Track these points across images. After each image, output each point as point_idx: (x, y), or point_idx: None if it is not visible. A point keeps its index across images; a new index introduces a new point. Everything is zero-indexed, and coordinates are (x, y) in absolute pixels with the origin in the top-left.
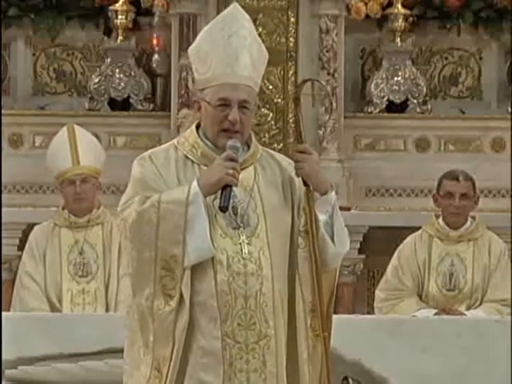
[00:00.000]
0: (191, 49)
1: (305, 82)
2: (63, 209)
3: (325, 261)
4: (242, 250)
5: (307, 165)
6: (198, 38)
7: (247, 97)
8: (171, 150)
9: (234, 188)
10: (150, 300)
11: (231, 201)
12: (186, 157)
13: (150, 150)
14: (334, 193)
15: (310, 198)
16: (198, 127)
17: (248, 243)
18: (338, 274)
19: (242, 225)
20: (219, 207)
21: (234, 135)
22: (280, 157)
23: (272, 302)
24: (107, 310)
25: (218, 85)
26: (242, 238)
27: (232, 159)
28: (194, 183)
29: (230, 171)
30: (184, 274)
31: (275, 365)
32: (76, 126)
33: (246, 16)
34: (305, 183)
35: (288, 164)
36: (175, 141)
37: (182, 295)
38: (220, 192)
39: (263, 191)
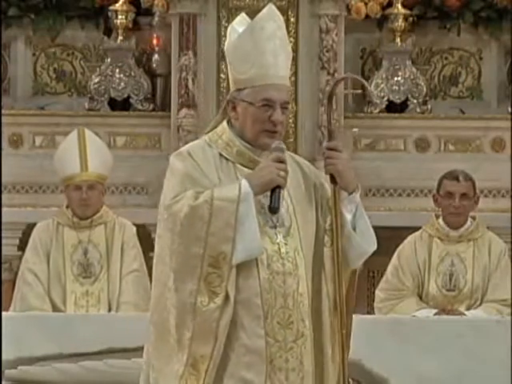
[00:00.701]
0: (228, 48)
1: (341, 80)
2: (67, 207)
3: (348, 259)
4: (279, 249)
5: (339, 162)
6: (236, 37)
7: (288, 98)
8: (206, 147)
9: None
10: (193, 296)
11: (281, 202)
12: (221, 154)
13: (185, 147)
14: (359, 193)
15: (337, 196)
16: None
17: (285, 243)
18: (357, 274)
19: (277, 224)
20: (271, 208)
21: (274, 135)
22: (298, 157)
23: (307, 301)
24: (109, 310)
25: (262, 85)
26: (279, 237)
27: (281, 161)
28: (244, 182)
29: (282, 173)
30: (231, 271)
31: (311, 364)
32: (87, 131)
33: (281, 17)
34: (331, 181)
35: (306, 165)
36: (205, 138)
37: (226, 293)
38: (270, 193)
39: (291, 192)
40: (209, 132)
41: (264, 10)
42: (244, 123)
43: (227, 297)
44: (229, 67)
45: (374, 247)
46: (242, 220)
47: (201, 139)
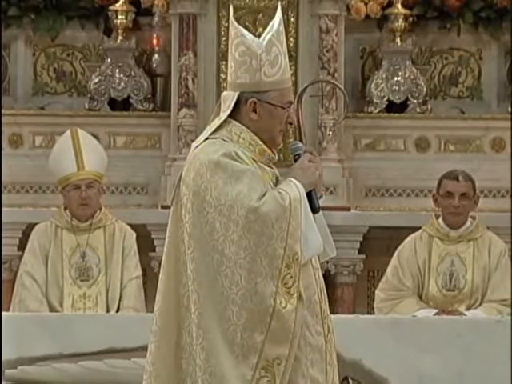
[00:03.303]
0: (261, 52)
1: (312, 84)
2: (65, 209)
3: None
4: None
5: (320, 167)
6: (267, 40)
7: None
8: (237, 147)
9: None
10: (272, 298)
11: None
12: (245, 154)
13: (223, 150)
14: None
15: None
16: None
17: None
18: None
19: None
20: (316, 208)
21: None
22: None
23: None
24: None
25: (285, 88)
26: None
27: (310, 161)
28: (297, 182)
29: (318, 173)
30: (300, 271)
31: (335, 357)
32: (79, 130)
33: None
34: None
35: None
36: (226, 138)
37: (299, 293)
38: (307, 193)
39: None
40: (214, 133)
41: (278, 12)
42: (266, 124)
43: (300, 297)
44: (260, 70)
45: (334, 253)
46: (305, 220)
47: (222, 141)
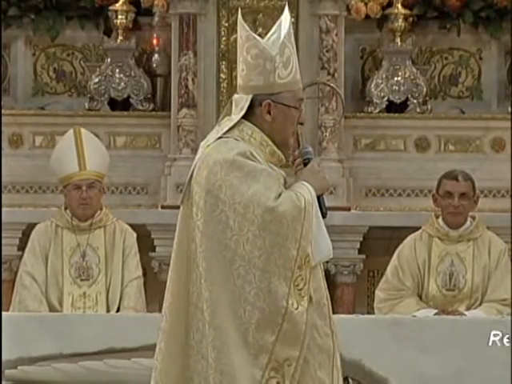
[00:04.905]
0: (275, 54)
1: (310, 85)
2: (65, 209)
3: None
4: None
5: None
6: (280, 43)
7: None
8: (249, 146)
9: None
10: (285, 300)
11: None
12: (258, 154)
13: (237, 149)
14: None
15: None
16: None
17: None
18: None
19: None
20: (325, 213)
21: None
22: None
23: None
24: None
25: (297, 89)
26: None
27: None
28: (308, 185)
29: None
30: (311, 274)
31: (339, 360)
32: (83, 130)
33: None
34: None
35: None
36: (237, 138)
37: (309, 295)
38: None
39: None
40: (226, 133)
41: (286, 12)
42: (280, 125)
43: (310, 299)
44: (274, 72)
45: (331, 254)
46: (316, 224)
47: (235, 141)
